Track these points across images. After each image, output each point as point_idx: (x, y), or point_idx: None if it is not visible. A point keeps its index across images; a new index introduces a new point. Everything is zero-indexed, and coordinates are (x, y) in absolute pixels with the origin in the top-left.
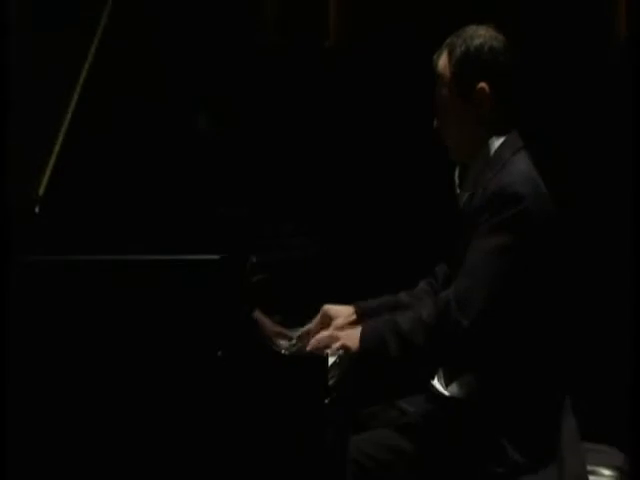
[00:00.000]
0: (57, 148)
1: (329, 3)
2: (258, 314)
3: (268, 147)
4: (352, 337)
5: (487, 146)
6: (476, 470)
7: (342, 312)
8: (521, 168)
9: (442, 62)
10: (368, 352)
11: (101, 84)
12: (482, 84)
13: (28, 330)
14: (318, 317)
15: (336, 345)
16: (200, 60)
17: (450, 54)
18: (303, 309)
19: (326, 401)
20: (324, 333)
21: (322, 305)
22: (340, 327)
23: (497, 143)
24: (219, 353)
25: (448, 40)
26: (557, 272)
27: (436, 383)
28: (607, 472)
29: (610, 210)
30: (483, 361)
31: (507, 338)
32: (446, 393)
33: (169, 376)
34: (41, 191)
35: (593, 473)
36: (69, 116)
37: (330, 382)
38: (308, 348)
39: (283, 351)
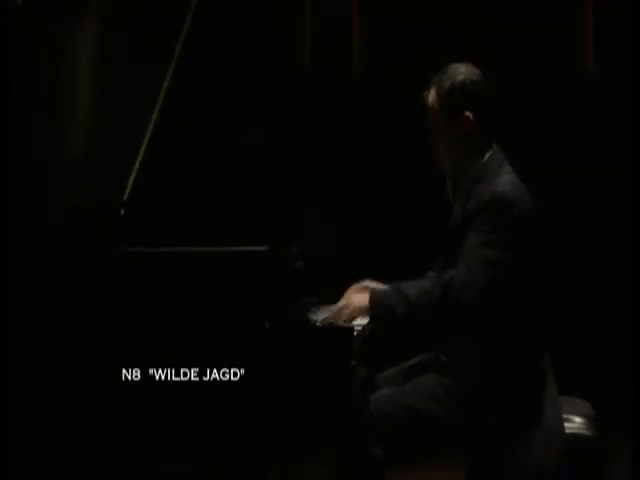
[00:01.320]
0: (138, 162)
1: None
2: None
3: (305, 158)
4: (363, 301)
5: (475, 161)
6: (474, 431)
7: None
8: (508, 178)
9: (432, 97)
10: (377, 314)
11: (174, 108)
12: (467, 112)
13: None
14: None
15: (348, 311)
16: (253, 89)
17: (438, 89)
18: (335, 290)
19: (352, 363)
20: (338, 305)
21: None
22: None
23: (484, 158)
24: (266, 325)
25: (434, 78)
26: (540, 258)
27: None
28: (578, 419)
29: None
30: (478, 333)
31: (501, 314)
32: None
33: (226, 343)
34: (125, 196)
35: (566, 420)
36: (148, 135)
37: (355, 348)
38: (333, 317)
39: (318, 323)
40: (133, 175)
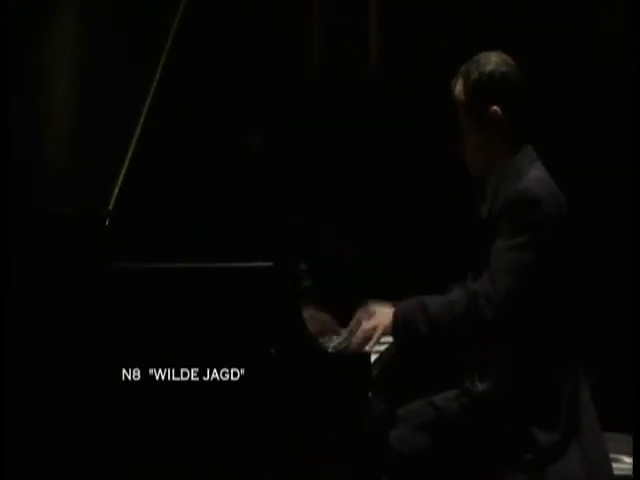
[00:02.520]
0: (124, 169)
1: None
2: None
3: (314, 162)
4: (387, 317)
5: (504, 161)
6: (507, 459)
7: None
8: (537, 175)
9: (458, 88)
10: (398, 331)
11: (166, 108)
12: (494, 107)
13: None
14: (361, 312)
15: (377, 334)
16: (255, 88)
17: (465, 80)
18: (347, 311)
19: (369, 395)
20: (365, 326)
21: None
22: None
23: (513, 157)
24: (272, 350)
25: (463, 67)
26: (569, 265)
27: (467, 384)
28: (628, 459)
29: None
30: (505, 348)
31: (529, 326)
32: (478, 387)
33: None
34: (111, 206)
35: (615, 460)
36: (135, 139)
37: (373, 377)
38: (354, 342)
39: (330, 349)
40: (119, 183)
